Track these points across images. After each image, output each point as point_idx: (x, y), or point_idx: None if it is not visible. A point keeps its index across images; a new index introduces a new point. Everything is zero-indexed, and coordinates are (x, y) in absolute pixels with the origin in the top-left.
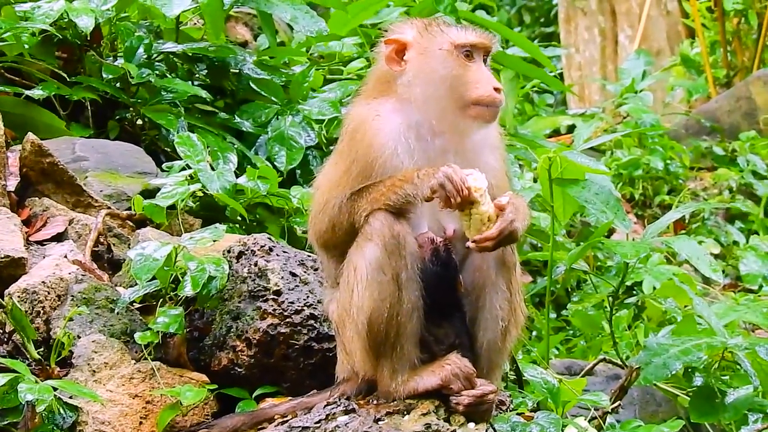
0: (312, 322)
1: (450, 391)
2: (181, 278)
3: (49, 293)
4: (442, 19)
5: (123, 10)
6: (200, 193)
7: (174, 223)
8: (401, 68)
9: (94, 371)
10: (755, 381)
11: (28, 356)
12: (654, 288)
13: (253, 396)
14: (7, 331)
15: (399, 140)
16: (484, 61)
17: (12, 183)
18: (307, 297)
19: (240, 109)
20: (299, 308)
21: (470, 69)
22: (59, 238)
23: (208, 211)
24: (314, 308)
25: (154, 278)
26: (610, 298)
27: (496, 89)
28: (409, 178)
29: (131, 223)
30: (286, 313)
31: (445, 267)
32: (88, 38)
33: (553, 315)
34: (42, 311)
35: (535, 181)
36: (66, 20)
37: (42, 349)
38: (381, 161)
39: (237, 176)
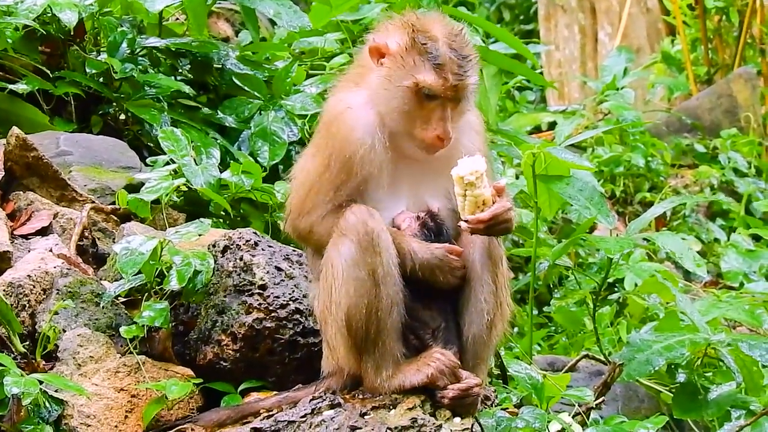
0: (297, 316)
1: (437, 387)
2: (166, 272)
3: (34, 287)
4: (432, 37)
5: (106, 5)
6: (184, 188)
7: (158, 218)
8: (378, 65)
9: (79, 365)
10: (738, 377)
11: (14, 350)
12: (635, 285)
13: (239, 390)
14: None
15: (375, 134)
16: (455, 100)
17: None
18: (293, 291)
19: (223, 104)
20: (285, 303)
21: (426, 108)
22: (44, 232)
23: (192, 206)
24: (300, 303)
25: (139, 272)
26: (593, 295)
27: (440, 137)
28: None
29: (115, 218)
30: (271, 308)
31: (437, 237)
32: (72, 33)
33: (534, 311)
34: (27, 305)
35: (517, 177)
36: (49, 15)
37: (27, 343)
38: (359, 156)
39: (220, 171)
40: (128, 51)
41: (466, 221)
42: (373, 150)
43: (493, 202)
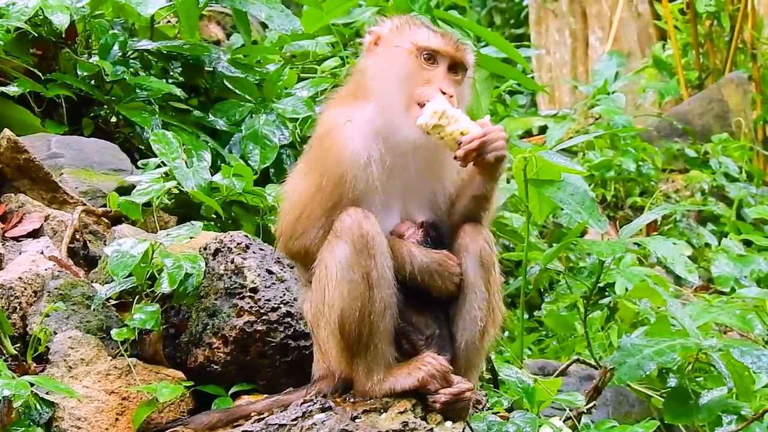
0: (288, 319)
1: (427, 391)
2: (157, 275)
3: (25, 289)
4: (420, 20)
5: (97, 8)
6: (175, 191)
7: (149, 221)
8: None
9: (70, 367)
10: (729, 382)
11: (5, 352)
12: (626, 289)
13: (229, 393)
14: None
15: (370, 150)
16: (455, 72)
17: None
18: (284, 294)
19: (214, 107)
20: (276, 306)
21: (426, 72)
22: (35, 234)
23: (183, 209)
24: (291, 306)
25: (130, 275)
26: (584, 299)
27: (443, 91)
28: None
29: (107, 220)
30: (262, 311)
31: (437, 245)
32: (63, 35)
33: (525, 316)
34: (18, 307)
35: (508, 181)
36: (41, 17)
37: (18, 345)
38: (352, 176)
39: (211, 174)
40: (119, 54)
41: (459, 144)
42: (367, 166)
43: None
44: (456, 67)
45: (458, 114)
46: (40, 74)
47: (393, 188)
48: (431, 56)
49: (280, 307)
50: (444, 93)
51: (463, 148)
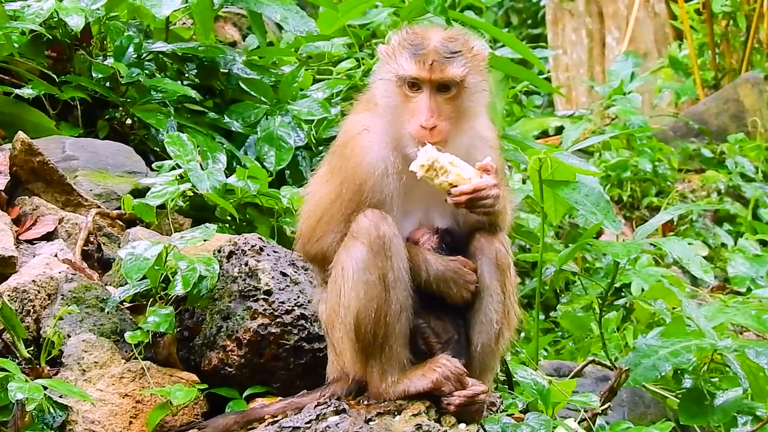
0: (302, 322)
1: (442, 393)
2: (171, 278)
3: (39, 292)
4: (421, 35)
5: (112, 10)
6: (190, 193)
7: (164, 223)
8: None
9: (84, 370)
10: (744, 383)
11: (18, 355)
12: (642, 290)
13: (244, 396)
14: None
15: (387, 161)
16: (446, 89)
17: (2, 182)
18: (298, 297)
19: (229, 109)
20: (290, 308)
21: (412, 100)
22: (49, 237)
23: (198, 211)
24: (305, 308)
25: (144, 277)
26: (599, 300)
27: (422, 126)
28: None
29: (121, 223)
30: (276, 313)
31: (452, 251)
32: (78, 37)
33: (541, 316)
34: (32, 310)
35: (524, 182)
36: (56, 19)
37: (32, 348)
38: (370, 184)
39: (226, 176)
40: (135, 55)
41: (449, 194)
42: (385, 176)
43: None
44: (444, 85)
45: (448, 162)
46: (54, 76)
47: (414, 195)
48: (413, 82)
49: (294, 310)
50: (424, 128)
51: (451, 200)
